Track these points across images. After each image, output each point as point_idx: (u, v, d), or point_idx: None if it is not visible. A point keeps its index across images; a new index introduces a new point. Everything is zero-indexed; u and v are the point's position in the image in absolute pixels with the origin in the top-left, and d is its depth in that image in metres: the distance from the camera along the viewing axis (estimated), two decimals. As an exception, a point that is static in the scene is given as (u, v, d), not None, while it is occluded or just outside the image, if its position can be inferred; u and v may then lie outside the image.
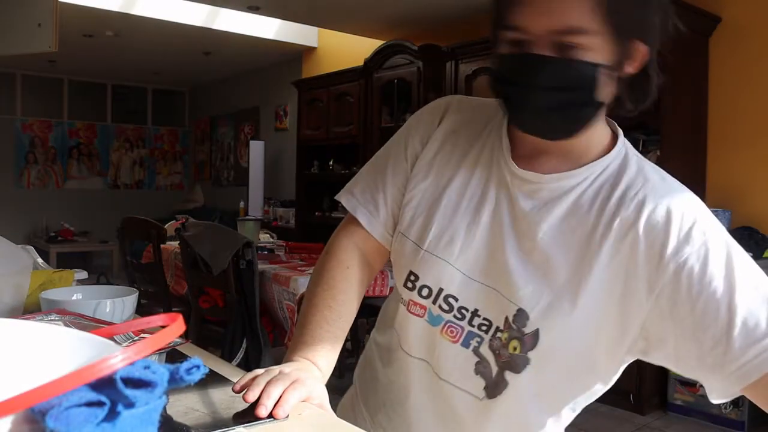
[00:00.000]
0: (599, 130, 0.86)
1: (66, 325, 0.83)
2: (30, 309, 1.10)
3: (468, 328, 0.87)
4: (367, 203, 0.97)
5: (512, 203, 0.86)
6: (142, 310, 2.89)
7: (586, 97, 0.77)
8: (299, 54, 6.76)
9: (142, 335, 0.77)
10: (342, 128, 5.60)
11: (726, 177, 3.62)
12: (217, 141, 8.61)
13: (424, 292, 0.89)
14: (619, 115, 0.85)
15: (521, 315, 0.82)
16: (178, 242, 3.21)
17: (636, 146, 3.76)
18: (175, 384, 0.53)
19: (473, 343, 0.87)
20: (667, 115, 3.39)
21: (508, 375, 0.85)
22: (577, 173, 0.84)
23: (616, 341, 0.82)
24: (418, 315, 0.91)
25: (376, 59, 5.10)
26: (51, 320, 0.87)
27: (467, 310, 0.87)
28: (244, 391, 0.75)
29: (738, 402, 3.17)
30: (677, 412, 3.40)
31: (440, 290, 0.88)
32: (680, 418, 3.37)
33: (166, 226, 3.78)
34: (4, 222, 7.20)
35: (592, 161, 0.84)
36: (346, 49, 6.06)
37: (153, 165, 9.05)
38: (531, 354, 0.83)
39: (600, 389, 0.89)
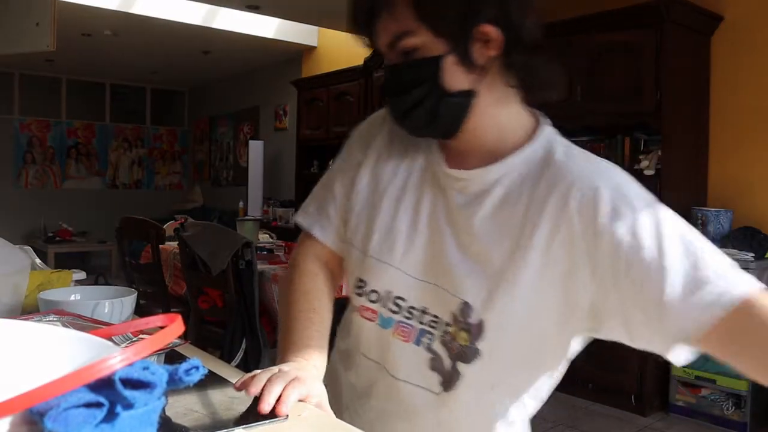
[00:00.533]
0: (512, 121, 0.89)
1: (64, 325, 0.83)
2: (28, 309, 1.10)
3: (419, 326, 0.91)
4: (321, 218, 1.03)
5: (447, 201, 0.91)
6: (140, 311, 2.88)
7: (434, 88, 0.84)
8: (299, 53, 6.76)
9: (140, 336, 0.76)
10: (342, 128, 5.60)
11: (728, 177, 3.61)
12: (217, 141, 8.61)
13: (373, 296, 0.94)
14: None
15: (466, 307, 0.86)
16: (177, 242, 3.20)
17: (637, 146, 3.74)
18: (174, 385, 0.53)
19: (425, 340, 0.90)
20: (668, 115, 3.38)
21: (460, 366, 0.88)
22: (500, 165, 0.88)
23: (563, 323, 0.84)
24: (369, 319, 0.95)
25: (376, 58, 5.08)
26: (49, 321, 0.87)
27: (416, 309, 0.91)
28: (244, 390, 0.76)
29: (740, 403, 3.17)
30: (679, 413, 3.39)
31: (388, 293, 0.92)
32: (682, 419, 3.36)
33: (164, 227, 3.78)
34: (2, 222, 7.20)
35: (515, 151, 0.88)
36: (346, 48, 6.06)
37: (152, 165, 9.05)
38: (479, 344, 0.86)
39: (558, 373, 0.92)
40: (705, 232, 3.39)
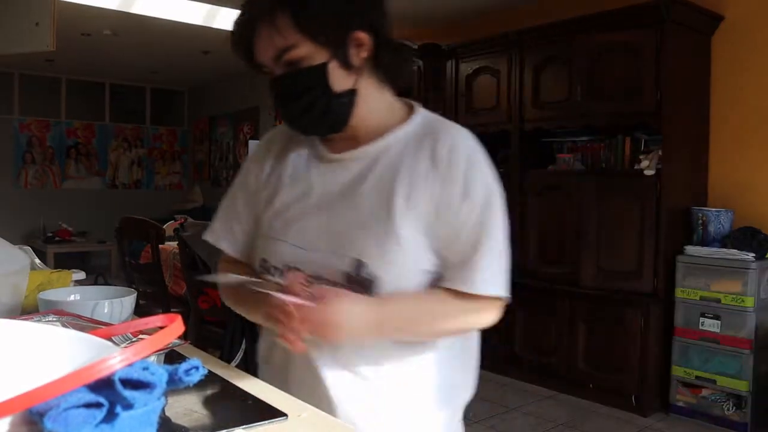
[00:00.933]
0: (388, 108, 1.07)
1: (64, 326, 0.83)
2: (28, 310, 1.10)
3: None
4: (226, 233, 1.17)
5: (336, 180, 1.05)
6: (140, 311, 2.88)
7: (323, 92, 0.98)
8: (298, 54, 6.74)
9: (140, 336, 0.76)
10: (341, 128, 5.59)
11: (729, 177, 3.61)
12: (216, 141, 8.60)
13: (274, 272, 1.04)
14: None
15: (360, 264, 0.97)
16: (177, 242, 3.20)
17: (637, 146, 3.73)
18: (173, 385, 0.53)
19: None
20: (668, 115, 3.38)
21: None
22: (382, 141, 1.03)
23: (434, 259, 1.01)
24: None
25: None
26: (49, 321, 0.86)
27: (311, 277, 1.00)
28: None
29: (741, 403, 3.17)
30: (679, 414, 3.39)
31: (285, 266, 1.03)
32: (682, 420, 3.36)
33: (164, 227, 3.77)
34: (1, 222, 7.19)
35: (393, 130, 1.04)
36: (345, 48, 6.05)
37: (151, 165, 9.04)
38: (374, 293, 0.97)
39: None
40: (705, 232, 3.39)
